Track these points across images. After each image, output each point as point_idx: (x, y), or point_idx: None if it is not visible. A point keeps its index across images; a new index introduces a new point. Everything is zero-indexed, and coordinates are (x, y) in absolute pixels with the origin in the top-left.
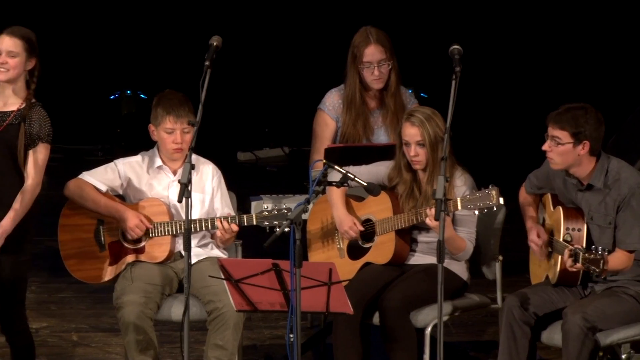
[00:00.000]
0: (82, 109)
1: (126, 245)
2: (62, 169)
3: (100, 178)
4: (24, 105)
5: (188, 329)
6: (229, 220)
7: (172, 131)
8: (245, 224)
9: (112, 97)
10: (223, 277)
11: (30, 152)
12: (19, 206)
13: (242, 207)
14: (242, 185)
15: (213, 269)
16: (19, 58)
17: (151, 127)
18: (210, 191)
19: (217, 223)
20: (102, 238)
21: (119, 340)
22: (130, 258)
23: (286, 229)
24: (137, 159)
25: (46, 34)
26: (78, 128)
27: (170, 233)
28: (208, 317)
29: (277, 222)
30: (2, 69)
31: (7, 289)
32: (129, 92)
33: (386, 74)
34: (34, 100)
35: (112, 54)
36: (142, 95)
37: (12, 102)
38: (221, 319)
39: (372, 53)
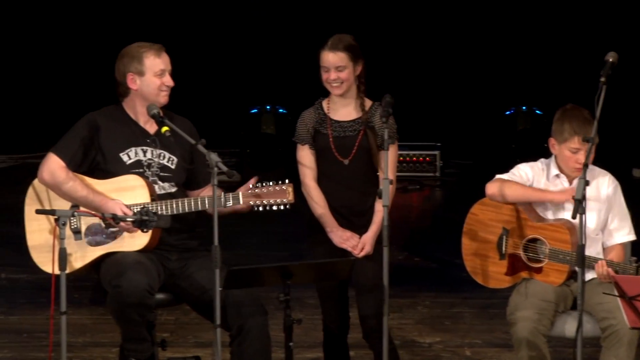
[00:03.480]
0: (479, 124)
1: (526, 261)
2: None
3: (516, 179)
4: (366, 110)
5: (581, 345)
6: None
7: (577, 151)
8: None
9: (507, 113)
10: (617, 294)
11: (382, 154)
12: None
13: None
14: (638, 202)
15: (607, 285)
16: (348, 69)
17: (552, 141)
18: (606, 200)
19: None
20: (504, 247)
21: (512, 356)
22: (524, 274)
23: None
24: (536, 164)
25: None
26: (475, 143)
27: (569, 263)
28: (602, 334)
29: None
30: (335, 85)
31: (370, 291)
32: (524, 107)
33: None
34: (371, 102)
35: (508, 69)
36: (537, 111)
37: (354, 110)
38: (615, 336)
39: None
